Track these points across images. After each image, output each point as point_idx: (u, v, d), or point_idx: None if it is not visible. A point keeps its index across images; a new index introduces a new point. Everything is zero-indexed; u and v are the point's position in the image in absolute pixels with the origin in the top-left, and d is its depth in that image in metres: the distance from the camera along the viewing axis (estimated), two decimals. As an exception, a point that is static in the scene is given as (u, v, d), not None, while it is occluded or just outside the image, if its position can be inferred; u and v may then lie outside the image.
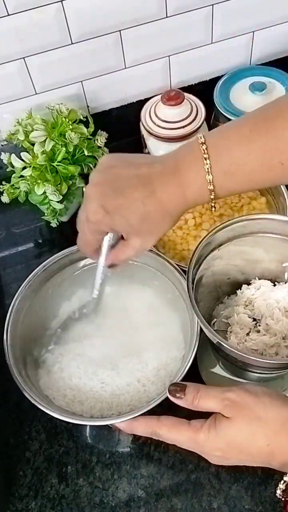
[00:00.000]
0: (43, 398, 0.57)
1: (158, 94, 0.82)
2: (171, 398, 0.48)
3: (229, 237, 0.58)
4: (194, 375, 0.65)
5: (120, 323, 0.66)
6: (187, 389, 0.47)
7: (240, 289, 0.63)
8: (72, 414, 0.58)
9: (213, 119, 0.85)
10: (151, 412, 0.51)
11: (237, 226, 0.57)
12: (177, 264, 0.63)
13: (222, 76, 0.87)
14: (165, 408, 0.50)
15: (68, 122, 0.73)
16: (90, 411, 0.59)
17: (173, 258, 0.69)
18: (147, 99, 0.85)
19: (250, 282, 0.63)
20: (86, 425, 0.65)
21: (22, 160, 0.73)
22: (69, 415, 0.57)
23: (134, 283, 0.68)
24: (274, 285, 0.63)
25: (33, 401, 0.55)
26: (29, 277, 0.65)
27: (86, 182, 0.79)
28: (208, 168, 0.48)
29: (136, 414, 0.52)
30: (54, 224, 0.79)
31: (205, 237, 0.56)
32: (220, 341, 0.49)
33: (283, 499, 0.45)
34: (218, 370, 0.64)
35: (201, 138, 0.49)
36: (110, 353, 0.63)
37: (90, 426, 0.64)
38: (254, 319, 0.60)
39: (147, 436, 0.49)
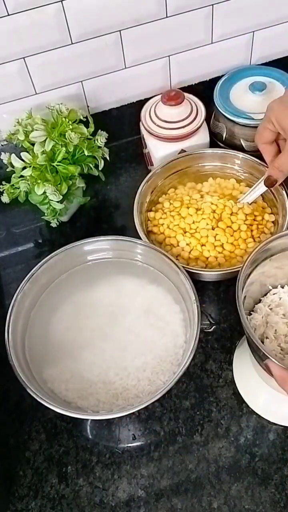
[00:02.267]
0: (46, 394, 0.58)
1: (158, 94, 0.82)
2: None
3: (253, 266, 0.58)
4: (230, 383, 0.66)
5: (123, 320, 0.66)
6: None
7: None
8: (77, 409, 0.59)
9: (213, 119, 0.85)
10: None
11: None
12: (183, 266, 0.64)
13: (222, 76, 0.87)
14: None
15: (68, 122, 0.73)
16: (97, 405, 0.59)
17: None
18: (147, 99, 0.85)
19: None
20: (86, 425, 0.65)
21: (22, 160, 0.73)
22: (74, 409, 0.57)
23: (140, 281, 0.69)
24: None
25: (38, 399, 0.56)
26: (28, 275, 0.65)
27: (86, 182, 0.80)
28: None
29: (145, 405, 0.53)
30: (54, 224, 0.79)
31: (258, 246, 0.56)
32: (269, 357, 0.48)
33: None
34: (255, 380, 0.62)
35: None
36: (115, 348, 0.64)
37: (91, 426, 0.64)
38: None
39: None
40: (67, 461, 0.62)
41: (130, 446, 0.62)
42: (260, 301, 0.63)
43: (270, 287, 0.63)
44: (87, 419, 0.65)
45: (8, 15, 0.70)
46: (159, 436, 0.63)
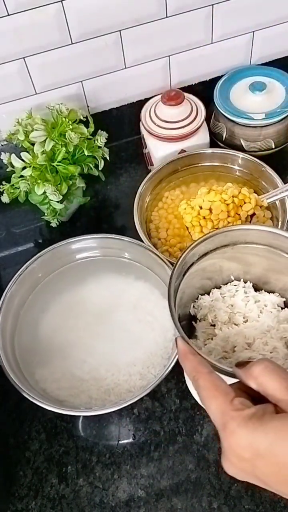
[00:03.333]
0: (38, 394, 0.58)
1: (158, 94, 0.82)
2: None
3: (210, 248, 0.59)
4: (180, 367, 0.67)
5: (112, 317, 0.67)
6: (256, 362, 0.39)
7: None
8: (71, 408, 0.59)
9: (213, 119, 0.85)
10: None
11: (218, 237, 0.58)
12: (168, 260, 0.65)
13: (222, 76, 0.87)
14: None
15: (68, 122, 0.73)
16: (89, 402, 0.60)
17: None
18: (147, 99, 0.85)
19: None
20: (87, 425, 0.65)
21: (22, 160, 0.73)
22: (67, 408, 0.58)
23: (127, 278, 0.70)
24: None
25: (30, 399, 0.56)
26: (15, 276, 0.66)
27: (86, 182, 0.80)
28: None
29: (137, 398, 0.54)
30: (54, 224, 0.79)
31: (187, 248, 0.56)
32: (196, 351, 0.49)
33: None
34: None
35: None
36: (105, 345, 0.65)
37: (91, 426, 0.64)
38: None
39: (189, 376, 0.43)
40: (67, 461, 0.62)
41: (130, 446, 0.63)
42: (221, 287, 0.64)
43: (232, 277, 0.64)
44: (87, 419, 0.65)
45: (8, 15, 0.70)
46: (159, 436, 0.63)
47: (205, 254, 0.58)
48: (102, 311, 0.67)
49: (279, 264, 0.59)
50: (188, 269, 0.57)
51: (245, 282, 0.64)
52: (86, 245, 0.70)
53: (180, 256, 0.55)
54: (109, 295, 0.69)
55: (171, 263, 0.64)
